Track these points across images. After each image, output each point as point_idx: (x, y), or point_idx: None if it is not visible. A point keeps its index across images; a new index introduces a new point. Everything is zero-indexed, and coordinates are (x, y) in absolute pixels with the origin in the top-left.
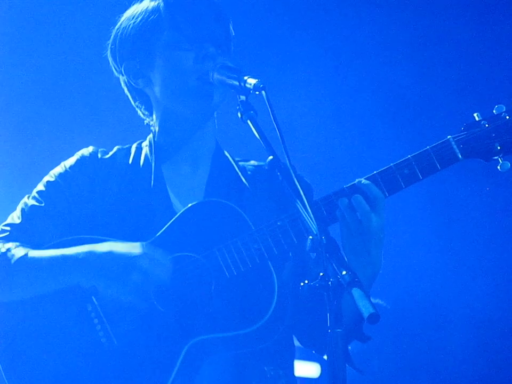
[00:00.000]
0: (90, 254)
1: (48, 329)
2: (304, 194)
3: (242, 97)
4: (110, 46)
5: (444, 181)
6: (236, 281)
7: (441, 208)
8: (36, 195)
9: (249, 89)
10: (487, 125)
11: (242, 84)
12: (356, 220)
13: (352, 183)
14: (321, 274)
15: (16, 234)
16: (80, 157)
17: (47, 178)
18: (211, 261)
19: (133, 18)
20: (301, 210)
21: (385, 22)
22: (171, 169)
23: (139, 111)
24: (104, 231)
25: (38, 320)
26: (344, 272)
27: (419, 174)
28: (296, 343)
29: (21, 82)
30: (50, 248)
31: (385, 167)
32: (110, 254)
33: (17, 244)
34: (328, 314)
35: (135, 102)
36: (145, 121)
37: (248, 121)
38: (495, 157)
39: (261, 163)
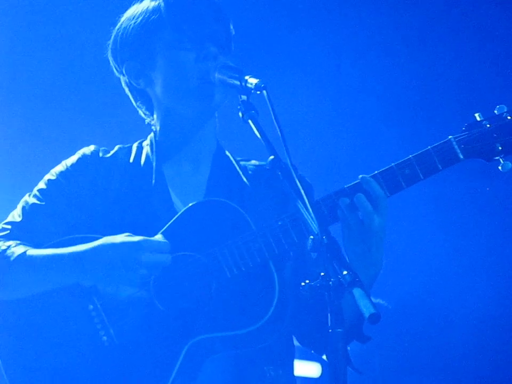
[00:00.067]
0: (88, 252)
1: (49, 328)
2: (305, 194)
3: (244, 97)
4: (110, 46)
5: (446, 181)
6: (236, 281)
7: (442, 208)
8: (37, 193)
9: (251, 89)
10: (488, 125)
11: (243, 84)
12: (357, 219)
13: (354, 182)
14: (322, 274)
15: (16, 232)
16: (82, 156)
17: (48, 176)
18: (212, 260)
19: (133, 18)
20: (302, 210)
21: (386, 22)
22: (172, 169)
23: (140, 111)
24: (105, 230)
25: (38, 319)
26: (345, 272)
27: (420, 174)
28: (296, 342)
29: (23, 82)
30: (51, 247)
31: (387, 167)
32: (107, 250)
33: (17, 242)
34: (329, 314)
35: (136, 102)
36: (146, 121)
37: (250, 121)
38: (496, 157)
39: (262, 163)
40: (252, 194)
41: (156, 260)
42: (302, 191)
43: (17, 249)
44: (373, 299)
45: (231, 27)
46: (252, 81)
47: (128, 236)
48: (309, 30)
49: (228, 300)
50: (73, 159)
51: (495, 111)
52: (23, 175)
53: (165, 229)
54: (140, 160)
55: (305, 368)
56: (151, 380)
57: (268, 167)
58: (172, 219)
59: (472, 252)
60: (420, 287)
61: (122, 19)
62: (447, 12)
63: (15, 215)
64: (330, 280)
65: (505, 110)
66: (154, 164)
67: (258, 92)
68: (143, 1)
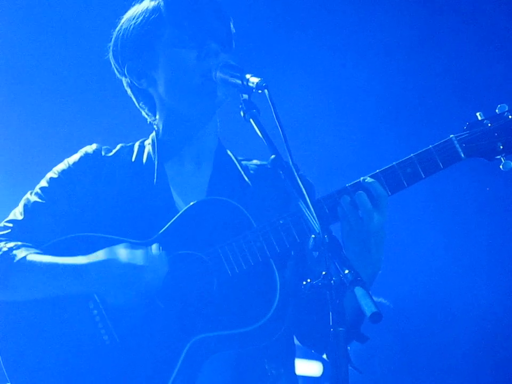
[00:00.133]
0: (92, 266)
1: (50, 327)
2: (306, 193)
3: (245, 96)
4: (111, 48)
5: (448, 179)
6: (238, 279)
7: (444, 207)
8: (39, 191)
9: (252, 88)
10: (489, 124)
11: (245, 83)
12: (358, 217)
13: (355, 181)
14: (323, 273)
15: (18, 231)
16: (84, 154)
17: (50, 174)
18: (213, 259)
19: (133, 18)
20: (303, 209)
21: (387, 22)
22: (174, 168)
23: (143, 112)
24: (106, 229)
25: (39, 318)
26: (346, 271)
27: (422, 173)
28: (296, 342)
29: (26, 82)
30: (53, 245)
31: (388, 166)
32: (111, 268)
33: (19, 243)
34: (330, 313)
35: (139, 103)
36: (148, 120)
37: (251, 120)
38: (498, 156)
39: (264, 162)
40: (253, 194)
41: (158, 284)
42: (304, 190)
43: (19, 252)
44: (374, 298)
45: (232, 24)
46: (253, 80)
47: (131, 249)
48: (309, 30)
49: (229, 298)
50: (75, 157)
51: (496, 110)
52: (26, 173)
53: (167, 227)
54: (142, 159)
55: (307, 367)
56: (153, 378)
57: (269, 166)
58: (173, 218)
59: (474, 251)
60: (422, 286)
61: (123, 20)
62: (448, 11)
63: (17, 213)
64: (332, 279)
65: (507, 109)
66: (156, 163)
67: (259, 91)
68: (143, 2)
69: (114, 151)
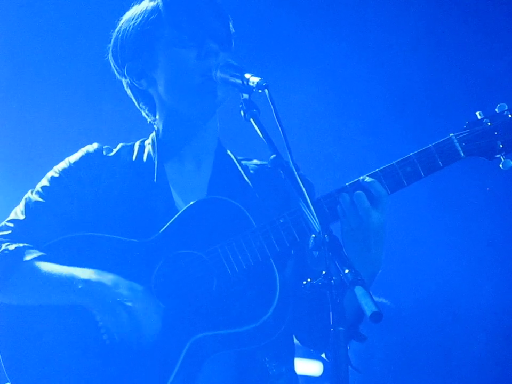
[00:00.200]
0: (89, 285)
1: (50, 327)
2: (306, 192)
3: (245, 96)
4: (111, 48)
5: (449, 178)
6: (237, 279)
7: (446, 206)
8: (40, 190)
9: (252, 87)
10: (489, 123)
11: (245, 82)
12: (357, 216)
13: (354, 180)
14: (323, 272)
15: (20, 231)
16: (85, 153)
17: (51, 173)
18: (213, 258)
19: (132, 19)
20: (303, 209)
21: (388, 21)
22: (173, 168)
23: (143, 112)
24: (106, 228)
25: (39, 318)
26: (347, 271)
27: (421, 171)
28: (296, 341)
29: (27, 82)
30: (54, 245)
31: (388, 165)
32: (108, 290)
33: (21, 245)
34: (330, 313)
35: (139, 104)
36: (148, 120)
37: (251, 120)
38: (498, 155)
39: (264, 162)
40: (253, 193)
41: (146, 324)
42: (304, 190)
43: (21, 255)
44: (375, 298)
45: (231, 24)
46: (254, 79)
47: (129, 287)
48: (309, 29)
49: (229, 297)
50: (76, 156)
51: (496, 109)
52: (27, 171)
53: (166, 227)
54: (142, 158)
55: (307, 366)
56: (152, 377)
57: (269, 166)
58: (173, 217)
59: (475, 250)
60: (422, 286)
61: (122, 21)
62: (448, 11)
63: (18, 213)
64: (332, 279)
65: (506, 108)
66: (156, 163)
67: (260, 91)
68: (142, 2)
69: (115, 150)
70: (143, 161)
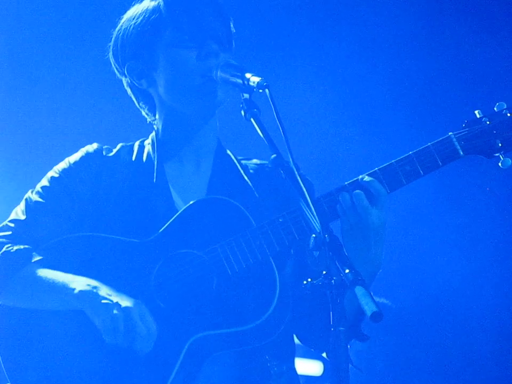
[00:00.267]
0: (88, 296)
1: (50, 327)
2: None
3: (246, 95)
4: (111, 47)
5: (451, 177)
6: (237, 278)
7: (447, 205)
8: (40, 190)
9: (253, 87)
10: (488, 122)
11: (245, 82)
12: (356, 215)
13: (354, 179)
14: (324, 272)
15: (20, 232)
16: (85, 154)
17: (51, 174)
18: (213, 258)
19: (133, 18)
20: (304, 209)
21: (387, 20)
22: (173, 167)
23: (143, 112)
24: (106, 228)
25: (39, 318)
26: (347, 271)
27: (420, 170)
28: (296, 340)
29: (26, 81)
30: (54, 245)
31: (387, 164)
32: (106, 305)
33: (21, 247)
34: (331, 313)
35: (138, 103)
36: (147, 120)
37: (252, 119)
38: (496, 154)
39: (263, 161)
40: (253, 193)
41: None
42: (304, 190)
43: (22, 258)
44: (376, 298)
45: (232, 24)
46: (254, 79)
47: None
48: (310, 29)
49: (229, 297)
50: (76, 156)
51: (495, 108)
52: (27, 172)
53: (166, 226)
54: (142, 158)
55: (307, 366)
56: (153, 377)
57: (270, 166)
58: (172, 217)
59: (477, 250)
60: (423, 286)
61: (123, 20)
62: (449, 10)
63: (19, 213)
64: (333, 279)
65: (505, 107)
66: (155, 163)
67: (260, 90)
68: (143, 1)
69: (114, 150)
70: (142, 161)
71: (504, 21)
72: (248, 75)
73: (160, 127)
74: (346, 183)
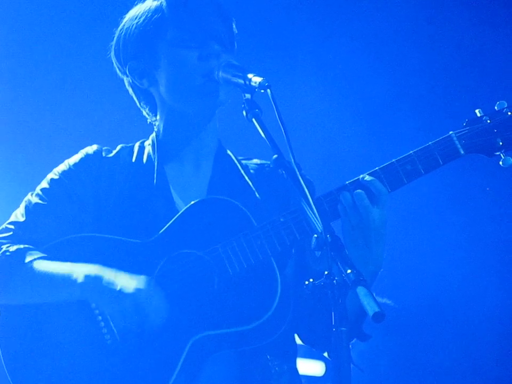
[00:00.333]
0: (90, 278)
1: (52, 327)
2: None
3: (247, 96)
4: (113, 47)
5: (453, 176)
6: (238, 278)
7: (449, 205)
8: (40, 192)
9: (254, 87)
10: (488, 121)
11: (247, 82)
12: (357, 214)
13: (355, 178)
14: (326, 272)
15: (20, 233)
16: (85, 155)
17: (51, 175)
18: (214, 258)
19: (136, 18)
20: (305, 209)
21: (388, 19)
22: (174, 168)
23: (144, 112)
24: (107, 229)
25: (41, 318)
26: (349, 271)
27: (421, 169)
28: (298, 340)
29: (26, 82)
30: (54, 246)
31: (388, 163)
32: (109, 280)
33: (21, 246)
34: (332, 313)
35: (140, 103)
36: (148, 120)
37: (253, 120)
38: (497, 153)
39: (264, 161)
40: (254, 193)
41: (151, 314)
42: (306, 190)
43: (22, 257)
44: (378, 298)
45: (234, 25)
46: (256, 79)
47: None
48: (311, 29)
49: (230, 297)
50: (76, 158)
51: (496, 107)
52: (27, 174)
53: (167, 227)
54: (142, 159)
55: (309, 366)
56: (154, 377)
57: (271, 166)
58: (173, 218)
59: (480, 250)
60: (425, 286)
61: (125, 19)
62: (450, 10)
63: (18, 215)
64: (335, 279)
65: (505, 106)
66: (155, 164)
67: (262, 91)
68: (146, 1)
69: (114, 152)
70: (142, 162)
71: (505, 20)
72: (249, 75)
73: (160, 128)
74: (347, 182)
